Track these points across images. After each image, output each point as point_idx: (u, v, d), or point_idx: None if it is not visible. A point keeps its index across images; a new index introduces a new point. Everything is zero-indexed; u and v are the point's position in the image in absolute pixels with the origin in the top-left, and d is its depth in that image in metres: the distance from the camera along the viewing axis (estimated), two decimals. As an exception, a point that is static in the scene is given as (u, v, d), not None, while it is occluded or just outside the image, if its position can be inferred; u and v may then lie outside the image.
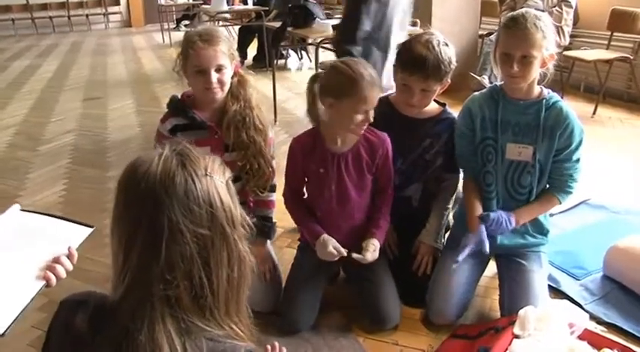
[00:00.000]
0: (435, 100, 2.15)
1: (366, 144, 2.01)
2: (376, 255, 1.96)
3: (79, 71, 7.68)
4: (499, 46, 1.93)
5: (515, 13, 1.91)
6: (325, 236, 1.98)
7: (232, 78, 1.98)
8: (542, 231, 2.09)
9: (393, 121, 2.11)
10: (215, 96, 1.94)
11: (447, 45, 2.03)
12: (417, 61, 1.98)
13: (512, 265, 2.04)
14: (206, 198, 0.91)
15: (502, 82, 2.03)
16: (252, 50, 7.55)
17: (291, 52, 7.39)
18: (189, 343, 0.88)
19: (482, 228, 1.94)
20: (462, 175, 2.21)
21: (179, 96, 2.07)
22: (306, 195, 2.14)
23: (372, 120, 1.91)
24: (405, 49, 2.08)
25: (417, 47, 2.00)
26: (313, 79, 1.97)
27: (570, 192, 2.01)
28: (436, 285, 2.04)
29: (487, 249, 1.93)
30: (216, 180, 0.94)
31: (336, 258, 1.95)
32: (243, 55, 7.30)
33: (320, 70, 1.99)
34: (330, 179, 2.00)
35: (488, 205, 2.04)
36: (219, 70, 1.91)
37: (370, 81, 1.86)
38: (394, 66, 2.16)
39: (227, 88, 1.97)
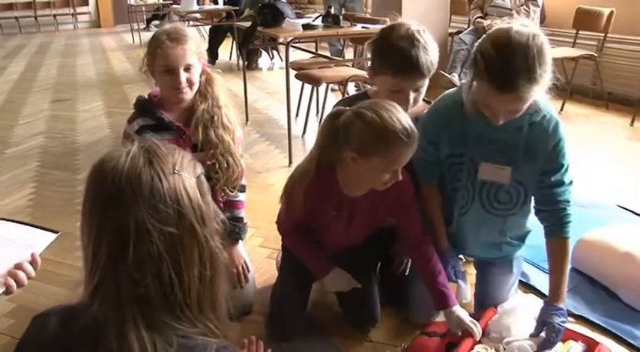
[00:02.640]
0: None
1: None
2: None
3: (47, 72, 7.54)
4: (480, 96, 1.59)
5: (498, 57, 1.48)
6: (337, 270, 1.88)
7: (200, 76, 1.97)
8: (522, 234, 1.97)
9: None
10: (184, 96, 1.93)
11: (424, 31, 1.84)
12: (407, 61, 1.77)
13: (487, 267, 2.03)
14: (173, 197, 0.90)
15: None
16: (222, 50, 7.52)
17: (262, 51, 7.37)
18: (159, 340, 0.88)
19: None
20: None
21: (145, 97, 2.04)
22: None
23: (400, 178, 1.66)
24: (387, 48, 1.82)
25: (402, 44, 1.78)
26: (334, 117, 1.68)
27: (571, 220, 1.76)
28: (415, 287, 2.00)
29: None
30: (184, 177, 0.93)
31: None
32: (214, 55, 7.26)
33: (341, 107, 1.71)
34: (342, 220, 1.85)
35: (459, 221, 1.91)
36: (187, 69, 1.90)
37: (406, 138, 1.58)
38: (375, 69, 1.89)
39: (196, 87, 1.96)
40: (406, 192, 1.82)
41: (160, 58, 1.88)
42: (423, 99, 2.01)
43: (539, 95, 1.56)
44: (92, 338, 0.88)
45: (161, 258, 0.89)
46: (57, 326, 0.93)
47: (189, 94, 1.94)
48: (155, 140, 0.97)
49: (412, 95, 1.84)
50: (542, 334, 1.69)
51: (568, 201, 1.76)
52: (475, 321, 1.76)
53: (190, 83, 1.92)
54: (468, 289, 1.92)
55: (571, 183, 1.76)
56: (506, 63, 1.46)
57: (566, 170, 1.75)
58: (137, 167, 0.90)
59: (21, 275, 1.09)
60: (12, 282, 1.07)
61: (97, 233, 0.90)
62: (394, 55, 1.79)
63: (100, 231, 0.90)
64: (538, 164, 1.73)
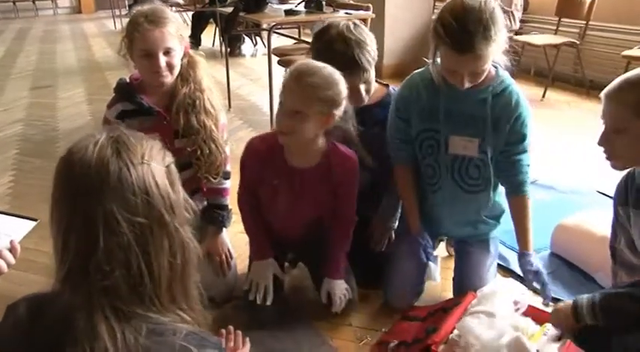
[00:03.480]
0: (376, 80, 2.09)
1: (329, 163, 1.85)
2: (342, 298, 1.93)
3: (26, 59, 7.43)
4: (444, 62, 1.73)
5: (455, 23, 1.61)
6: (270, 262, 1.92)
7: (182, 59, 1.92)
8: (497, 213, 2.02)
9: None
10: (164, 79, 1.88)
11: (355, 25, 1.98)
12: (346, 63, 1.85)
13: (465, 247, 2.05)
14: (142, 186, 0.90)
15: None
16: (205, 36, 7.46)
17: (245, 37, 7.31)
18: (128, 329, 0.88)
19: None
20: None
21: (127, 80, 2.00)
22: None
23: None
24: (325, 53, 1.93)
25: (336, 46, 1.93)
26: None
27: (528, 179, 1.91)
28: (392, 270, 2.03)
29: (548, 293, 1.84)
30: (153, 167, 0.93)
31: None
32: (197, 41, 7.20)
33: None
34: (284, 192, 1.88)
35: (433, 199, 1.98)
36: (167, 52, 1.85)
37: (293, 81, 1.72)
38: None
39: (177, 71, 1.91)
40: (352, 169, 1.88)
41: (138, 42, 1.83)
42: (382, 84, 2.13)
43: (497, 54, 1.70)
44: (61, 327, 0.88)
45: (130, 248, 0.89)
46: (24, 315, 0.93)
47: (169, 78, 1.89)
48: (124, 129, 0.97)
49: (363, 87, 1.97)
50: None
51: (528, 165, 1.89)
52: (342, 296, 1.92)
53: (170, 67, 1.87)
54: (437, 270, 1.99)
55: (528, 148, 1.88)
56: (462, 26, 1.61)
57: (528, 138, 1.86)
58: (105, 157, 0.90)
59: (0, 262, 1.09)
60: None
61: (66, 224, 0.90)
62: (332, 59, 1.84)
63: (69, 222, 0.90)
64: (503, 135, 1.83)
